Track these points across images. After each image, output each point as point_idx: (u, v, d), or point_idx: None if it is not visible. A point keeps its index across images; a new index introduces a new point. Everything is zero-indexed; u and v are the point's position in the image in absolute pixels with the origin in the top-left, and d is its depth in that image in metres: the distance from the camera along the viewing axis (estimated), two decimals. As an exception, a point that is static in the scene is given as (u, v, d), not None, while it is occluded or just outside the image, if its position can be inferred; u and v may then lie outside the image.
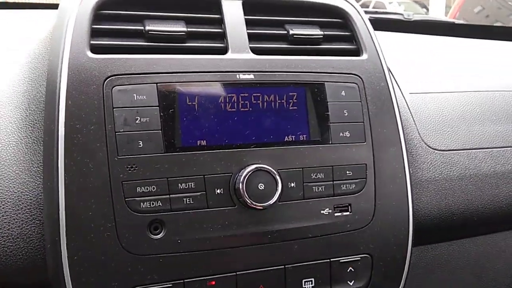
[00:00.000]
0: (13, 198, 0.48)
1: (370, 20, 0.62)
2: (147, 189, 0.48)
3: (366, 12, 0.63)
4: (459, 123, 0.69)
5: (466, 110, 0.70)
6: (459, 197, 0.65)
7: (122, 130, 0.48)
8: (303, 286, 0.54)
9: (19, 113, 0.51)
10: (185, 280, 0.49)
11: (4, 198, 0.47)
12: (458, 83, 0.74)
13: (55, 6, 0.92)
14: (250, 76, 0.53)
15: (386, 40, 0.76)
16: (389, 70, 0.61)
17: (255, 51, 0.55)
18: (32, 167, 0.49)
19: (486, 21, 3.36)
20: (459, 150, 0.67)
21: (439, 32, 1.10)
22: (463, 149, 0.67)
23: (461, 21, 1.24)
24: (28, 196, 0.48)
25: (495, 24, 3.26)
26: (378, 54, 0.60)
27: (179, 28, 0.53)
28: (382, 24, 1.08)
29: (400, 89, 0.68)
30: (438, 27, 1.19)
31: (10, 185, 0.48)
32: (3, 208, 0.47)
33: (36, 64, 0.54)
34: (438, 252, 0.70)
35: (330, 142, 0.55)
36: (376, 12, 1.15)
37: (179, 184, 0.49)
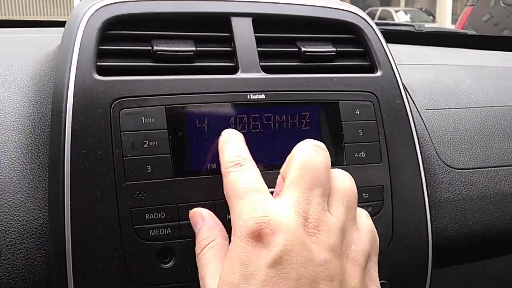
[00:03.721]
0: (18, 227, 0.46)
1: (380, 32, 0.61)
2: (156, 216, 0.46)
3: (376, 25, 0.61)
4: (477, 140, 0.67)
5: (484, 126, 0.68)
6: (480, 217, 0.63)
7: (130, 155, 0.46)
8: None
9: (24, 138, 0.49)
10: None
11: (9, 227, 0.46)
12: (475, 97, 0.72)
13: (59, 24, 0.92)
14: (261, 96, 0.51)
15: (398, 54, 0.75)
16: (404, 86, 0.59)
17: (266, 69, 0.53)
18: (37, 194, 0.47)
19: (494, 29, 3.34)
20: (478, 168, 0.64)
21: (451, 43, 1.08)
22: (483, 167, 0.64)
23: (472, 32, 1.22)
24: (34, 224, 0.47)
25: (503, 32, 3.24)
26: (393, 70, 0.58)
27: (188, 47, 0.51)
28: (393, 36, 1.06)
29: (415, 106, 0.66)
30: (450, 38, 1.17)
31: (15, 213, 0.46)
32: (7, 237, 0.45)
33: (41, 86, 0.53)
34: (458, 274, 0.68)
35: (345, 163, 0.53)
36: (386, 24, 1.13)
37: (189, 210, 0.47)
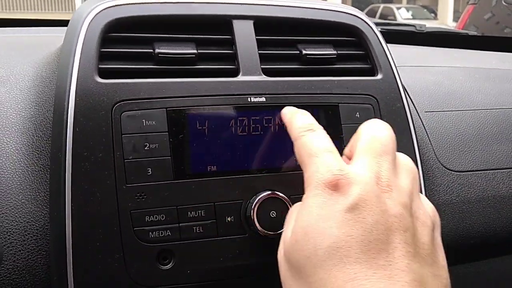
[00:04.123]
0: (19, 229, 0.46)
1: (382, 32, 0.61)
2: (156, 218, 0.47)
3: (377, 24, 0.61)
4: (476, 143, 0.67)
5: (483, 129, 0.68)
6: (477, 220, 0.63)
7: (131, 157, 0.47)
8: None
9: (25, 140, 0.50)
10: None
11: (10, 228, 0.46)
12: (474, 99, 0.72)
13: (60, 23, 0.92)
14: (262, 99, 0.52)
15: (399, 55, 0.75)
16: (404, 89, 0.59)
17: (267, 72, 0.53)
18: (38, 196, 0.48)
19: (496, 28, 3.34)
20: (477, 171, 0.65)
21: (452, 43, 1.08)
22: (481, 170, 0.65)
23: (473, 32, 1.22)
24: (35, 226, 0.47)
25: (505, 31, 3.24)
26: (394, 73, 0.58)
27: (189, 50, 0.51)
28: (394, 36, 1.06)
29: (415, 108, 0.66)
30: (451, 39, 1.17)
31: (16, 215, 0.47)
32: (9, 239, 0.46)
33: (42, 88, 0.53)
34: (455, 274, 0.68)
35: (345, 166, 0.53)
36: (388, 24, 1.13)
37: (189, 212, 0.48)
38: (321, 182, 0.38)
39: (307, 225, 0.38)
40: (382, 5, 15.12)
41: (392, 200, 0.38)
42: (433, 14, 15.72)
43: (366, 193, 0.37)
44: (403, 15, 14.35)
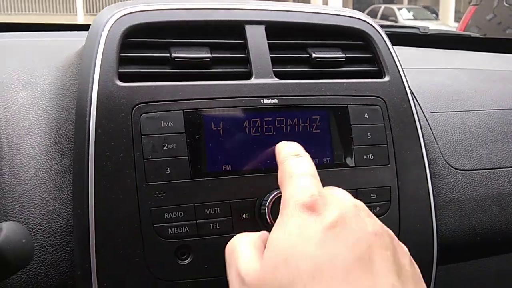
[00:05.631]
0: (44, 225, 0.49)
1: (386, 35, 0.63)
2: (174, 215, 0.49)
3: (382, 27, 0.63)
4: (481, 142, 0.69)
5: (487, 129, 0.70)
6: (483, 217, 0.65)
7: (150, 157, 0.49)
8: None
9: (48, 141, 0.52)
10: None
11: (35, 225, 0.48)
12: (479, 100, 0.74)
13: (77, 27, 0.94)
14: (274, 101, 0.54)
15: (405, 58, 0.77)
16: (411, 90, 0.61)
17: (278, 75, 0.55)
18: (62, 194, 0.50)
19: (498, 28, 3.36)
20: (482, 169, 0.66)
21: (455, 45, 1.10)
22: (486, 169, 0.67)
23: (476, 34, 1.24)
24: (59, 222, 0.49)
25: (507, 31, 3.26)
26: (400, 76, 0.60)
27: (204, 54, 0.53)
28: (398, 38, 1.08)
29: (422, 109, 0.68)
30: (454, 41, 1.19)
31: (41, 212, 0.49)
32: (34, 235, 0.48)
33: (63, 91, 0.55)
34: (461, 271, 0.70)
35: (354, 165, 0.55)
36: (391, 26, 1.15)
37: (206, 210, 0.50)
38: (299, 204, 0.38)
39: (285, 248, 0.36)
40: (383, 6, 15.13)
41: (371, 219, 0.38)
42: (434, 15, 15.72)
43: (345, 213, 0.37)
44: (404, 16, 14.36)
